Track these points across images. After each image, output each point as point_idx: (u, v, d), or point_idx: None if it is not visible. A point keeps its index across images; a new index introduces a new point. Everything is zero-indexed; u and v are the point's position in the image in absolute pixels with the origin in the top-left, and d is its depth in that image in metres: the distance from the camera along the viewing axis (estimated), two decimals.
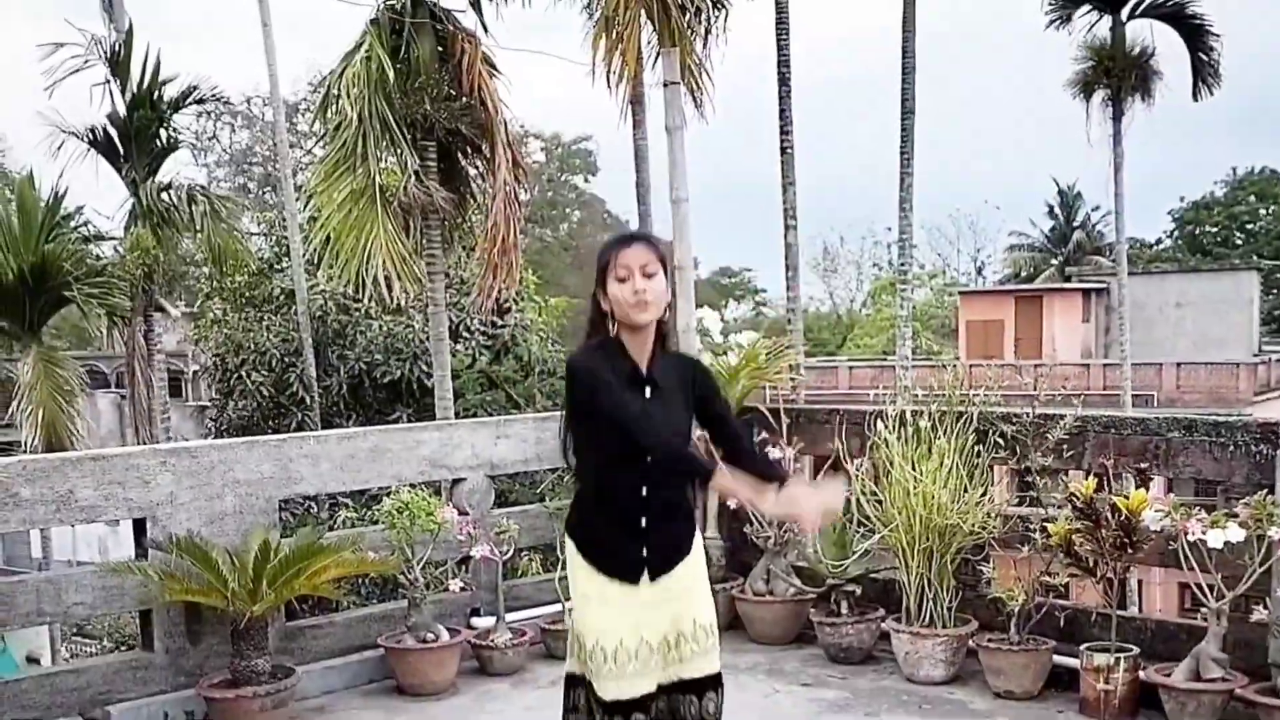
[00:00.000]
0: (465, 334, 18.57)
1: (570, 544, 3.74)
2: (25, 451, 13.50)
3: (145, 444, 14.17)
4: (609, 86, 14.86)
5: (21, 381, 14.31)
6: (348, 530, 6.60)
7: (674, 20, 13.50)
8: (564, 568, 4.08)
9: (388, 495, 6.05)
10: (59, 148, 15.71)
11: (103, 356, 34.40)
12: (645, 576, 3.66)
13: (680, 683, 3.71)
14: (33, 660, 19.75)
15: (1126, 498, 5.12)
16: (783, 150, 16.75)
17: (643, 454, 3.56)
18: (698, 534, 3.88)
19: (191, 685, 5.43)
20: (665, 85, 7.55)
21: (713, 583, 6.11)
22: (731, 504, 6.77)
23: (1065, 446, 5.79)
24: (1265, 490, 4.94)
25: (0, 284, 14.28)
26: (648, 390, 3.62)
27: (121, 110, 15.88)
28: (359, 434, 6.43)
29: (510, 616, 6.36)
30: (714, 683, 3.77)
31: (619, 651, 3.60)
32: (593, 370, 3.56)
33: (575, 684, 3.78)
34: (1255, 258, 44.83)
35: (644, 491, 3.63)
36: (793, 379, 7.70)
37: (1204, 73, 24.20)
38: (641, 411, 3.55)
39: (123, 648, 17.76)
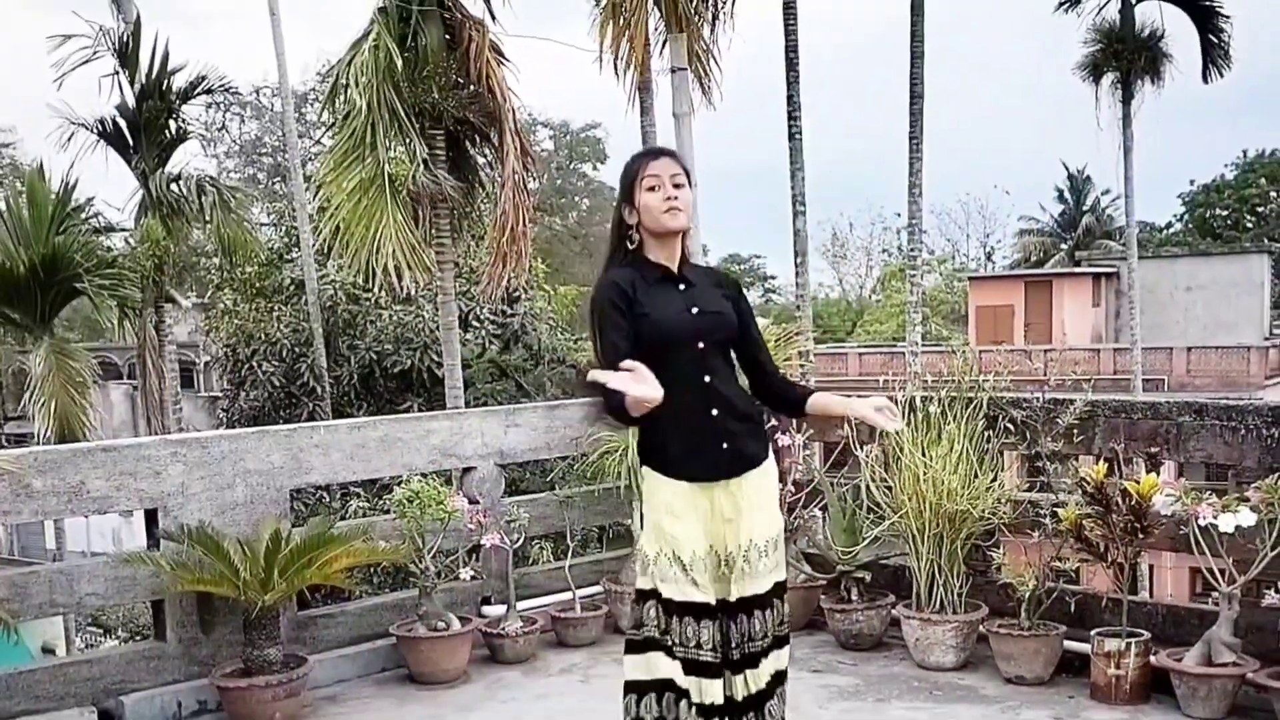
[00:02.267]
0: (475, 323, 18.60)
1: (646, 469, 3.79)
2: (38, 443, 13.55)
3: (157, 435, 14.22)
4: (616, 73, 14.79)
5: (34, 373, 14.35)
6: (359, 519, 6.62)
7: (681, 6, 13.40)
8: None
9: (398, 484, 6.06)
10: (69, 139, 15.78)
11: (115, 348, 34.50)
12: (722, 473, 3.71)
13: (738, 601, 3.76)
14: (47, 650, 19.83)
15: (1137, 482, 5.11)
16: (791, 136, 16.70)
17: (694, 339, 3.68)
18: (770, 456, 3.91)
19: (204, 675, 5.46)
20: (673, 71, 7.56)
21: None
22: None
23: (1075, 431, 5.77)
24: (1276, 474, 4.92)
25: (12, 276, 14.32)
26: (681, 285, 3.74)
27: (131, 101, 15.91)
28: (369, 423, 6.44)
29: (521, 605, 6.38)
30: (762, 602, 3.77)
31: (694, 561, 3.68)
32: (616, 284, 3.67)
33: (644, 598, 3.75)
34: (1266, 241, 44.60)
35: (706, 379, 3.71)
36: (802, 365, 7.70)
37: (1214, 55, 24.10)
38: (674, 304, 3.69)
39: (136, 638, 17.86)
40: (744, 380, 3.95)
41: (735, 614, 3.77)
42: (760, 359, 3.94)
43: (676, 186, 3.70)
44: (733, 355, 3.87)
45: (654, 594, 3.72)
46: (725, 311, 3.79)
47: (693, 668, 3.70)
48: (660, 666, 3.69)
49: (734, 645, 3.77)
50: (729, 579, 3.75)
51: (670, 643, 3.70)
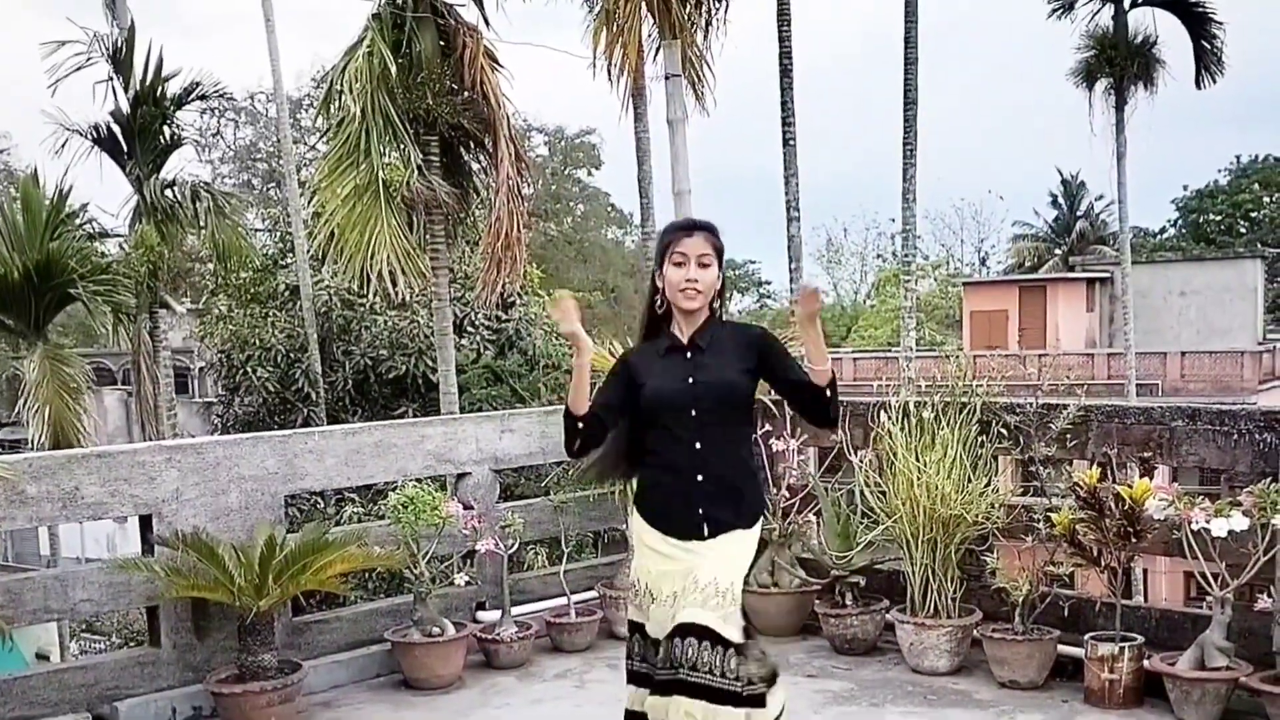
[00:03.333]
0: (470, 329, 18.59)
1: (636, 515, 3.97)
2: (33, 449, 13.54)
3: (152, 440, 14.21)
4: (610, 80, 14.83)
5: (28, 379, 14.32)
6: (353, 525, 6.62)
7: (675, 13, 13.44)
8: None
9: (393, 490, 6.07)
10: (63, 145, 15.77)
11: (109, 354, 34.44)
12: (692, 535, 3.81)
13: (679, 625, 3.76)
14: (42, 657, 19.77)
15: (1130, 487, 5.13)
16: (785, 142, 16.73)
17: (686, 407, 3.79)
18: (760, 520, 3.96)
19: (199, 681, 5.46)
20: (666, 78, 7.58)
21: None
22: None
23: (1069, 436, 5.79)
24: (1269, 478, 4.94)
25: (6, 282, 14.30)
26: (689, 354, 3.87)
27: (125, 107, 15.91)
28: (364, 429, 6.45)
29: (516, 610, 6.38)
30: (704, 633, 3.73)
31: (664, 595, 3.82)
32: (626, 360, 3.97)
33: (633, 630, 3.98)
34: (1259, 246, 44.70)
35: (696, 445, 3.81)
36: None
37: (1206, 60, 24.17)
38: (672, 373, 3.83)
39: (131, 644, 17.82)
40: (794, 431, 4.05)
41: (685, 638, 3.75)
42: (800, 398, 3.94)
43: (702, 267, 3.84)
44: (735, 420, 3.89)
45: (638, 626, 3.93)
46: (728, 381, 3.84)
47: (637, 680, 3.91)
48: (636, 701, 3.94)
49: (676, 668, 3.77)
50: (697, 602, 3.75)
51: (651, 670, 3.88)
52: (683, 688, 3.78)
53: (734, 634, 3.80)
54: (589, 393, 3.82)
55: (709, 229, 3.96)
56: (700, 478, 3.80)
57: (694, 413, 3.80)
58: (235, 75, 62.31)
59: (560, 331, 3.80)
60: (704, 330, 3.90)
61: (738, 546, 3.87)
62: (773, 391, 4.11)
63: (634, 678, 3.96)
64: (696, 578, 3.78)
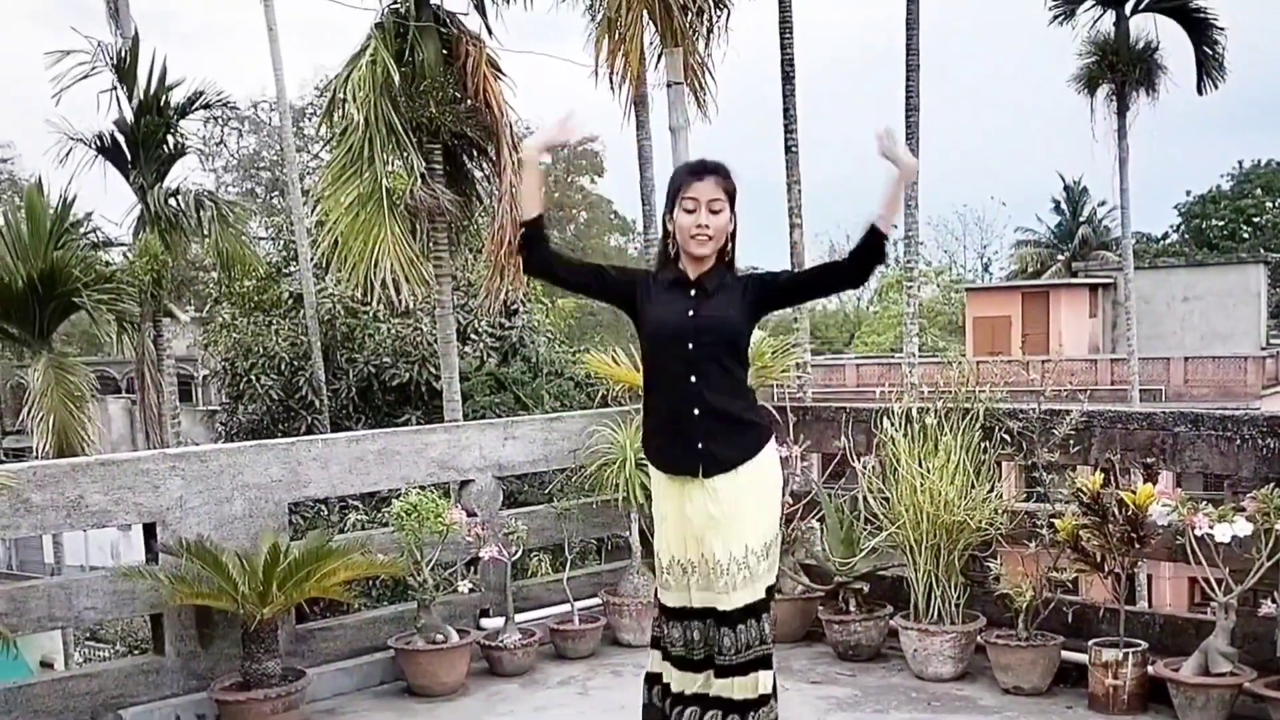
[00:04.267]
0: (473, 336, 18.61)
1: (646, 458, 4.11)
2: (37, 457, 13.55)
3: (156, 448, 14.21)
4: (612, 88, 14.87)
5: (33, 388, 14.33)
6: (357, 532, 6.63)
7: (676, 21, 13.48)
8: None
9: (397, 497, 6.07)
10: (67, 154, 15.75)
11: (113, 362, 34.47)
12: (693, 471, 3.87)
13: (715, 612, 3.92)
14: (46, 664, 19.78)
15: (1133, 492, 5.13)
16: (787, 148, 16.74)
17: (684, 340, 3.84)
18: (769, 448, 4.02)
19: (203, 688, 5.46)
20: (668, 86, 7.60)
21: None
22: None
23: (1072, 442, 5.79)
24: (1273, 484, 4.94)
25: (10, 291, 14.32)
26: (692, 291, 3.91)
27: (129, 116, 15.90)
28: (367, 436, 6.45)
29: (519, 617, 6.38)
30: (745, 615, 3.89)
31: (671, 565, 3.98)
32: (644, 272, 4.08)
33: (661, 610, 4.13)
34: (1262, 251, 44.64)
35: (693, 379, 3.85)
36: (799, 377, 7.72)
37: (1208, 66, 24.16)
38: (674, 307, 3.88)
39: (135, 652, 17.81)
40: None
41: (720, 626, 3.93)
42: (809, 276, 4.20)
43: (713, 212, 3.85)
44: (733, 360, 3.94)
45: (665, 607, 4.08)
46: (728, 318, 3.89)
47: (671, 660, 4.05)
48: (654, 662, 4.14)
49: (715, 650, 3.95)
50: (707, 587, 3.91)
51: (662, 639, 4.08)
52: (720, 670, 3.94)
53: (770, 582, 3.95)
54: (539, 198, 3.94)
55: (721, 171, 3.95)
56: (697, 412, 3.84)
57: (691, 346, 3.83)
58: (239, 84, 62.38)
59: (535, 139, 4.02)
60: (712, 273, 3.93)
61: (753, 487, 3.90)
62: (790, 297, 4.22)
63: (653, 642, 4.16)
64: (729, 551, 3.84)
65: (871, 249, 3.84)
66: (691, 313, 3.87)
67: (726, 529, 3.85)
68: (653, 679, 4.16)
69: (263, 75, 66.94)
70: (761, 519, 3.93)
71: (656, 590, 4.15)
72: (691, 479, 3.88)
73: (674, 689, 4.05)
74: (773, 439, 4.09)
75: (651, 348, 3.96)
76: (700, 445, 3.85)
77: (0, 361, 16.91)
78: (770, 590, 4.00)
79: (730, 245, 3.97)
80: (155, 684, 5.48)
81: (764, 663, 3.97)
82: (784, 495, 6.53)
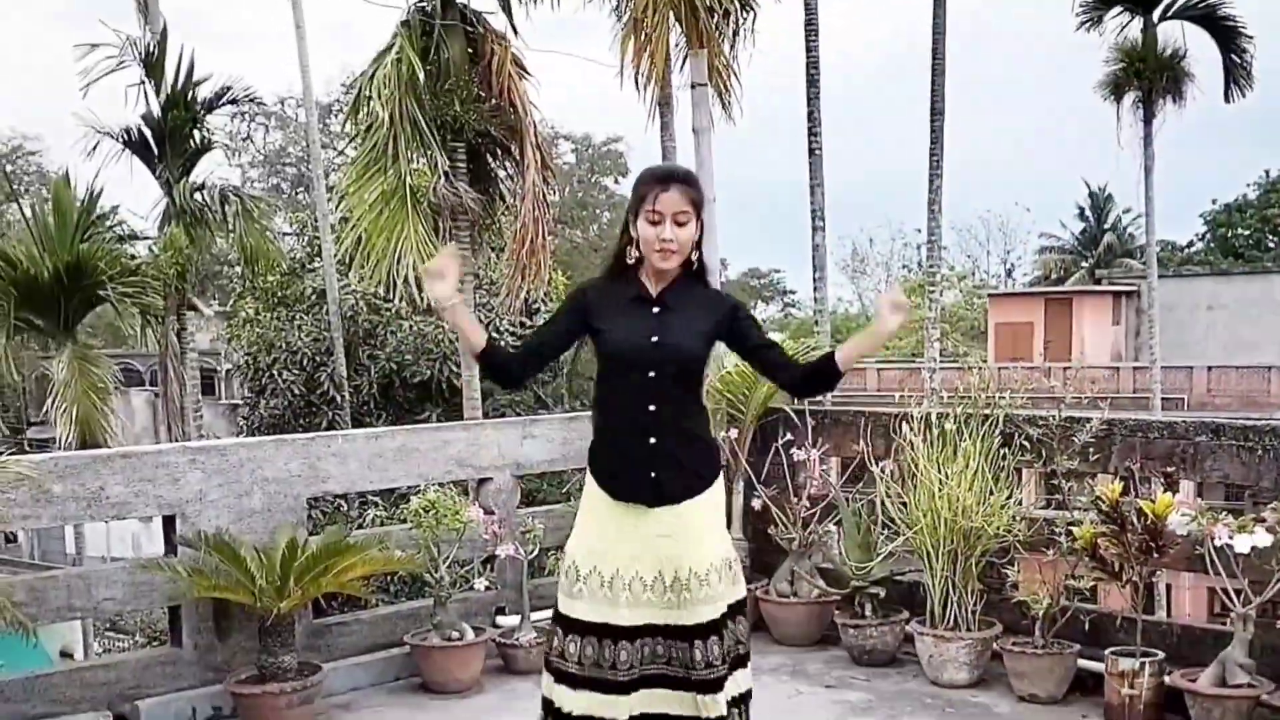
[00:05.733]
0: (495, 334, 18.65)
1: (588, 475, 3.87)
2: (60, 448, 13.65)
3: (178, 441, 14.29)
4: (638, 88, 14.86)
5: (57, 379, 14.44)
6: (375, 528, 6.65)
7: (702, 22, 13.46)
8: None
9: (415, 494, 6.09)
10: (94, 148, 15.88)
11: (137, 355, 34.69)
12: (643, 500, 3.72)
13: (677, 628, 3.74)
14: (66, 655, 19.92)
15: (1153, 501, 5.10)
16: (811, 151, 16.75)
17: (645, 366, 3.68)
18: (719, 479, 3.89)
19: (219, 681, 5.49)
20: (693, 87, 7.61)
21: None
22: (756, 505, 6.79)
23: (1091, 450, 5.76)
24: None
25: (36, 283, 14.43)
26: (655, 308, 3.73)
27: (156, 111, 16.01)
28: (386, 433, 6.47)
29: (535, 615, 6.38)
30: (710, 630, 3.74)
31: (592, 576, 3.76)
32: (585, 292, 3.86)
33: (565, 627, 3.87)
34: None
35: (651, 407, 3.70)
36: None
37: (1236, 74, 24.03)
38: (635, 329, 3.70)
39: (154, 643, 17.93)
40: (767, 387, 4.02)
41: (676, 639, 3.75)
42: (769, 358, 3.89)
43: (679, 225, 3.64)
44: (693, 384, 3.83)
45: (570, 621, 3.85)
46: (691, 346, 3.74)
47: (559, 677, 3.85)
48: (547, 686, 3.92)
49: (678, 667, 3.78)
50: (666, 605, 3.73)
51: (553, 654, 3.87)
52: (653, 682, 3.77)
53: (737, 597, 3.82)
54: (482, 332, 3.82)
55: (688, 180, 3.76)
56: (653, 440, 3.70)
57: (652, 374, 3.68)
58: (266, 82, 62.69)
59: (431, 293, 3.75)
60: (674, 286, 3.75)
61: (703, 513, 3.78)
62: (740, 354, 4.00)
63: (564, 678, 3.83)
64: (689, 568, 3.70)
65: (824, 375, 3.79)
66: (655, 338, 3.69)
67: (674, 551, 3.72)
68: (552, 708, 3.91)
69: (290, 73, 67.34)
70: (713, 538, 3.80)
71: (556, 605, 3.90)
72: (638, 507, 3.74)
73: (576, 713, 3.81)
74: (721, 471, 3.95)
75: (609, 370, 3.78)
76: (653, 474, 3.71)
77: (25, 353, 17.01)
78: (739, 605, 3.84)
79: (697, 255, 3.77)
80: (172, 675, 5.51)
81: (746, 659, 3.91)
82: (801, 499, 6.61)
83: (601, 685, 3.77)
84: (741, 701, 3.92)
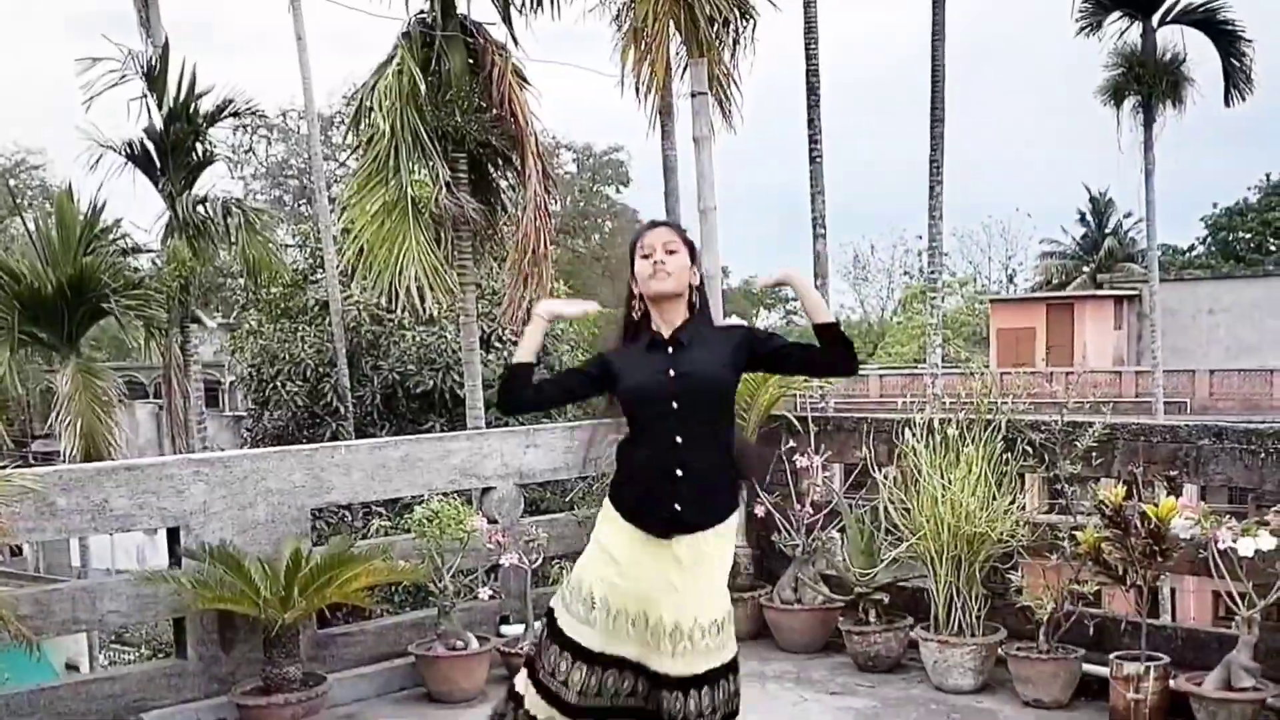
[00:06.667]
0: (497, 344, 18.65)
1: (607, 503, 3.92)
2: (64, 461, 13.66)
3: (181, 454, 14.32)
4: (638, 98, 14.90)
5: (61, 392, 14.46)
6: (379, 539, 6.66)
7: (702, 31, 13.52)
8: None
9: (419, 504, 6.10)
10: (97, 161, 15.89)
11: (141, 367, 34.70)
12: (667, 533, 3.75)
13: (666, 677, 3.72)
14: (71, 667, 19.89)
15: (1156, 505, 5.10)
16: (811, 159, 16.76)
17: (667, 400, 3.76)
18: (737, 512, 3.95)
19: (224, 692, 5.50)
20: (693, 96, 7.61)
21: (740, 591, 6.17)
22: (759, 512, 6.79)
23: (1094, 454, 5.77)
24: None
25: (39, 296, 14.47)
26: (669, 349, 3.84)
27: (158, 124, 16.04)
28: (390, 443, 6.49)
29: (539, 625, 6.38)
30: (701, 681, 3.73)
31: (602, 605, 3.79)
32: (604, 354, 3.99)
33: (561, 644, 3.88)
34: None
35: (677, 439, 3.76)
36: (821, 387, 7.71)
37: (1236, 78, 24.07)
38: (652, 368, 3.81)
39: (159, 655, 17.92)
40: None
41: (673, 690, 3.72)
42: (802, 353, 3.99)
43: (669, 253, 3.82)
44: (719, 416, 3.87)
45: (568, 641, 3.86)
46: (710, 374, 3.82)
47: (554, 701, 3.85)
48: (533, 703, 3.91)
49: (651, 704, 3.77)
50: (667, 652, 3.71)
51: (550, 678, 3.86)
52: (620, 713, 3.82)
53: (731, 655, 3.81)
54: (534, 351, 3.96)
55: (674, 224, 4.03)
56: (680, 473, 3.74)
57: (675, 405, 3.75)
58: (269, 94, 62.77)
59: (555, 308, 4.10)
60: (684, 327, 3.87)
61: (718, 550, 3.83)
62: (771, 367, 4.14)
63: (548, 695, 3.87)
64: (694, 616, 3.70)
65: (829, 340, 3.87)
66: (671, 370, 3.79)
67: (698, 595, 3.74)
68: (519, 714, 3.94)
69: (292, 85, 67.33)
70: (716, 591, 3.82)
71: (555, 620, 3.91)
72: (658, 538, 3.77)
73: None
74: (741, 505, 4.01)
75: (633, 412, 3.87)
76: (678, 507, 3.74)
77: (29, 366, 17.03)
78: (726, 668, 3.81)
79: (699, 300, 3.92)
80: (177, 687, 5.52)
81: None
82: (804, 506, 6.61)
83: (596, 714, 3.85)
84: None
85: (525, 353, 3.94)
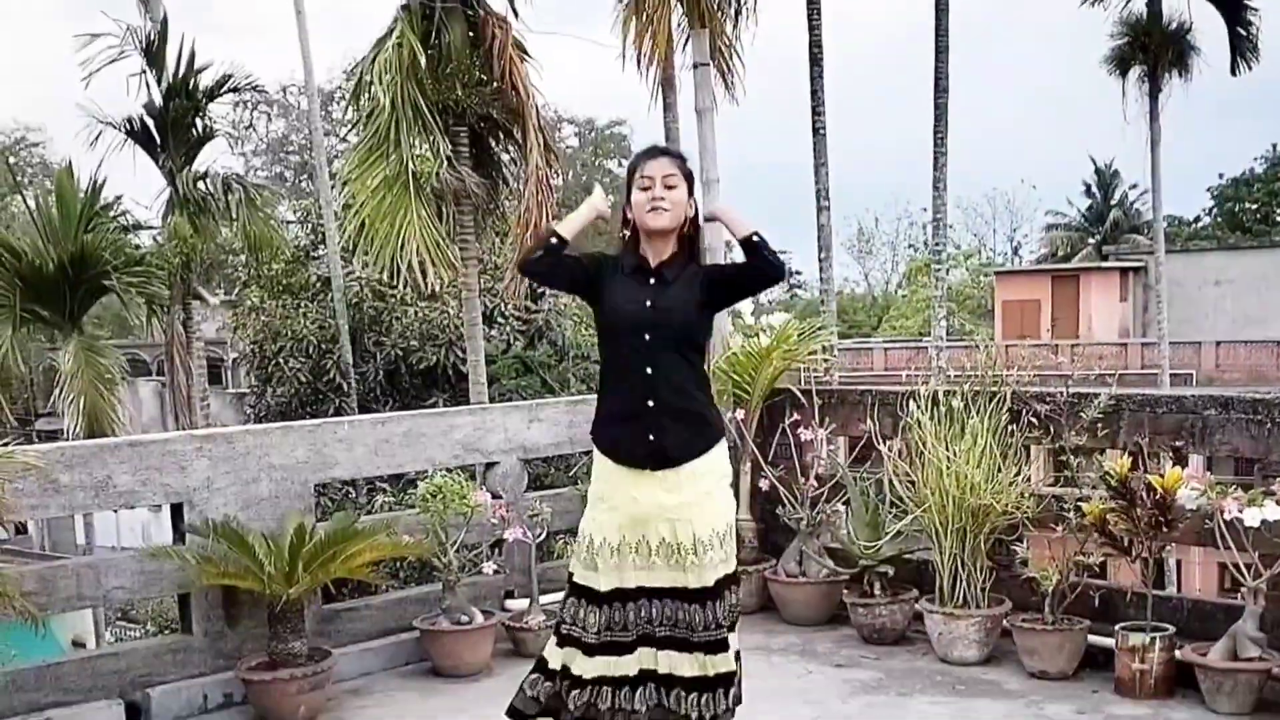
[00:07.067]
0: (500, 319, 18.65)
1: (595, 449, 4.04)
2: (68, 439, 13.67)
3: (184, 430, 14.32)
4: (640, 69, 14.84)
5: (63, 370, 14.48)
6: (383, 514, 6.65)
7: (704, 2, 13.43)
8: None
9: (423, 479, 6.09)
10: (96, 138, 15.85)
11: (144, 345, 34.76)
12: (645, 464, 3.86)
13: (682, 590, 3.88)
14: (78, 644, 19.98)
15: (1161, 476, 5.08)
16: (815, 131, 16.71)
17: (641, 330, 3.84)
18: (720, 445, 4.02)
19: (230, 668, 5.50)
20: (695, 67, 7.58)
21: (745, 564, 6.16)
22: (763, 485, 6.78)
23: (1100, 425, 5.74)
24: None
25: (41, 274, 14.46)
26: (652, 279, 3.91)
27: (158, 100, 15.99)
28: (393, 418, 6.47)
29: (543, 599, 6.38)
30: (713, 592, 3.89)
31: (603, 547, 3.92)
32: (596, 256, 4.06)
33: (577, 593, 4.04)
34: None
35: (648, 370, 3.85)
36: (825, 360, 7.68)
37: (1242, 47, 23.92)
38: (632, 295, 3.89)
39: (165, 631, 18.01)
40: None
41: (680, 601, 3.88)
42: (732, 271, 4.13)
43: (668, 188, 3.86)
44: (691, 352, 3.97)
45: (584, 589, 4.01)
46: (686, 311, 3.91)
47: (574, 644, 3.99)
48: (551, 652, 4.07)
49: (665, 626, 3.92)
50: (672, 568, 3.86)
51: (564, 620, 4.02)
52: (651, 642, 3.91)
53: (731, 569, 3.95)
54: (577, 230, 4.05)
55: (675, 154, 4.05)
56: (651, 403, 3.84)
57: (648, 337, 3.83)
58: (269, 70, 62.49)
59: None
60: (673, 261, 3.94)
61: (706, 479, 3.92)
62: (724, 293, 4.16)
63: (568, 641, 4.00)
64: (693, 533, 3.83)
65: (749, 249, 3.96)
66: (649, 303, 3.87)
67: (679, 515, 3.85)
68: (547, 672, 4.07)
69: (292, 64, 67.18)
70: (716, 506, 3.93)
71: (572, 576, 4.07)
72: (641, 470, 3.88)
73: (589, 676, 3.95)
74: (724, 437, 4.09)
75: (608, 336, 3.98)
76: (652, 438, 3.84)
77: (32, 344, 17.04)
78: (731, 577, 3.98)
79: (694, 233, 4.00)
80: (183, 663, 5.52)
81: (733, 632, 4.00)
82: (809, 479, 6.59)
83: (614, 648, 3.93)
84: (738, 659, 4.05)
85: (568, 230, 4.01)
